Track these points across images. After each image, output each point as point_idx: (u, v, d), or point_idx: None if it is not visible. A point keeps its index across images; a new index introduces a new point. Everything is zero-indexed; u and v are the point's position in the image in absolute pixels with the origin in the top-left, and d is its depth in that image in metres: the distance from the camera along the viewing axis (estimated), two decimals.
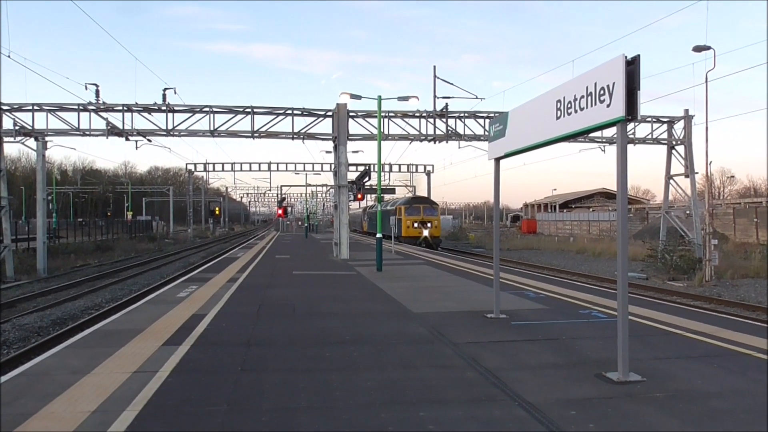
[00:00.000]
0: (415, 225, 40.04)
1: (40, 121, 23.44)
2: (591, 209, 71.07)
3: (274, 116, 24.45)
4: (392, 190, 51.35)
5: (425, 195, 49.44)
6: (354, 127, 24.72)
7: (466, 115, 25.80)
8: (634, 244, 33.71)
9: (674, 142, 27.47)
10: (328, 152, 39.40)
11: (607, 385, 5.87)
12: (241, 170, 53.02)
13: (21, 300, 17.86)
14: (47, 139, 24.68)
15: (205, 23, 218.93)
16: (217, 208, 67.33)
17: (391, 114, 25.22)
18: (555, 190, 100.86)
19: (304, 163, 54.36)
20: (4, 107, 23.17)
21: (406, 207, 41.58)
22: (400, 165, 52.51)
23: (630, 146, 26.59)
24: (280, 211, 59.25)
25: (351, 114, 24.45)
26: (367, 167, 35.27)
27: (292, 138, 24.69)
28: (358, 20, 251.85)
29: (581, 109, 6.52)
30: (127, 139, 24.46)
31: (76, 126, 23.39)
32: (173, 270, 27.78)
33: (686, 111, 27.30)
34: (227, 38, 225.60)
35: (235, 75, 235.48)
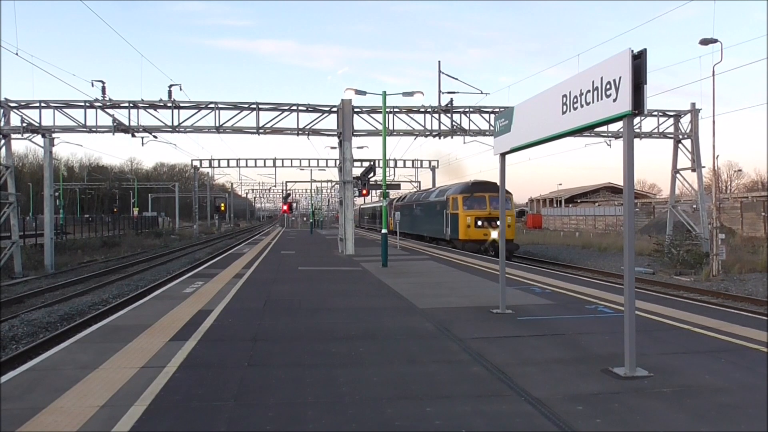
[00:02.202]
0: (479, 223, 27.69)
1: (47, 117, 23.57)
2: (597, 204, 70.86)
3: (279, 112, 24.46)
4: (397, 186, 51.28)
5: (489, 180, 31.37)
6: (359, 122, 24.73)
7: (471, 110, 25.72)
8: (640, 239, 33.63)
9: (681, 136, 27.33)
10: (333, 148, 39.47)
11: (614, 381, 5.87)
12: (246, 166, 53.01)
13: (29, 296, 17.98)
14: (54, 135, 24.80)
15: (211, 19, 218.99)
16: (222, 204, 67.55)
17: (396, 109, 25.20)
18: (560, 184, 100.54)
19: (309, 159, 54.25)
20: (12, 104, 23.29)
21: (464, 197, 28.35)
22: (405, 160, 52.43)
23: (636, 140, 26.32)
24: (285, 207, 59.41)
25: (356, 110, 24.44)
26: (372, 163, 35.17)
27: (297, 134, 24.70)
28: (365, 15, 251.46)
29: (587, 104, 6.49)
30: (133, 135, 24.53)
31: (83, 122, 23.48)
32: (179, 266, 27.88)
33: (693, 105, 27.16)
34: (233, 34, 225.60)
35: (241, 71, 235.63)
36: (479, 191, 28.62)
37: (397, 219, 31.64)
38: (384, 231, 19.61)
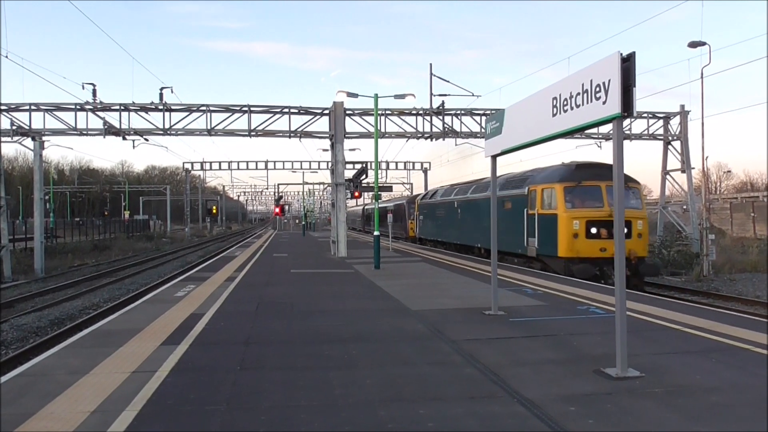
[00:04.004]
0: (593, 231, 16.96)
1: (37, 120, 23.43)
2: None
3: (271, 115, 24.44)
4: (389, 188, 51.27)
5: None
6: (351, 125, 24.74)
7: (462, 112, 25.81)
8: None
9: (670, 138, 27.51)
10: (325, 150, 39.43)
11: (606, 381, 5.89)
12: (238, 169, 52.86)
13: (19, 300, 17.83)
14: (44, 138, 24.66)
15: (204, 21, 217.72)
16: (214, 207, 67.32)
17: (387, 112, 25.23)
18: None
19: (301, 161, 54.03)
20: (2, 107, 23.12)
21: (566, 187, 17.66)
22: (396, 163, 52.55)
23: (626, 142, 26.60)
24: (277, 210, 59.31)
25: (348, 112, 24.45)
26: (364, 165, 35.11)
27: (289, 136, 24.69)
28: (359, 16, 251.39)
29: (577, 106, 6.54)
30: (124, 138, 24.44)
31: (74, 125, 23.36)
32: (171, 269, 27.76)
33: (682, 107, 27.34)
34: (227, 36, 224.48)
35: (234, 73, 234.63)
36: (589, 178, 17.69)
37: (420, 222, 26.13)
38: (376, 233, 19.63)
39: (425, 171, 52.53)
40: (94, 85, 23.44)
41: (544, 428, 4.67)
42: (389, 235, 31.42)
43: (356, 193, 26.14)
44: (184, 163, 57.39)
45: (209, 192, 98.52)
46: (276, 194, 69.87)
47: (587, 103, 6.32)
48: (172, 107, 23.78)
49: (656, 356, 6.88)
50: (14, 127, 23.28)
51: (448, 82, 25.47)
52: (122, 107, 23.56)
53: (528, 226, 18.74)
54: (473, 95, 25.45)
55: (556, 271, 17.28)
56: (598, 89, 6.10)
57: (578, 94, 6.48)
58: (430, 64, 25.68)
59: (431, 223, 31.27)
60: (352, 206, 69.87)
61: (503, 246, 19.55)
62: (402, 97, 20.84)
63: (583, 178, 17.77)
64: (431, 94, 25.41)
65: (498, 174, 10.15)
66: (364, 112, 24.80)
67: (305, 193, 68.21)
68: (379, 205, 48.88)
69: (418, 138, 25.90)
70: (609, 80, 5.91)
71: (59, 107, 23.42)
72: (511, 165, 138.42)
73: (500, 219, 19.77)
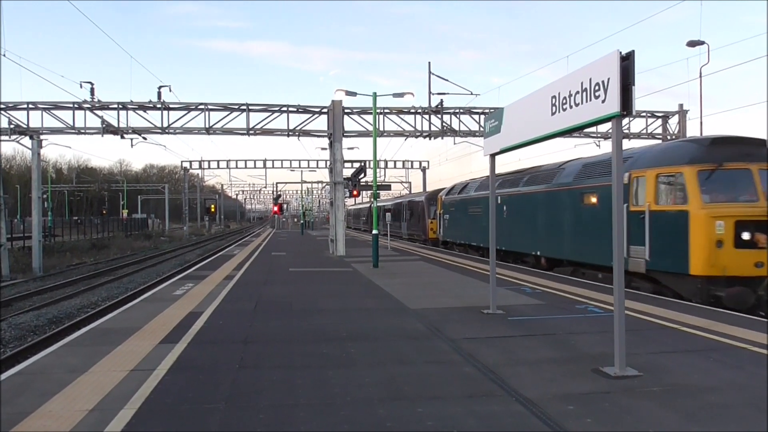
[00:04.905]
0: (746, 236, 10.80)
1: (35, 119, 23.43)
2: None
3: (269, 113, 24.42)
4: (388, 187, 51.26)
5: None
6: (349, 123, 24.74)
7: (461, 111, 25.80)
8: None
9: (669, 137, 27.53)
10: (323, 149, 39.39)
11: (605, 380, 5.90)
12: (237, 167, 52.93)
13: (17, 299, 17.81)
14: (42, 137, 24.65)
15: (203, 21, 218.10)
16: (212, 206, 67.22)
17: (386, 110, 25.23)
18: None
19: (300, 160, 54.03)
20: (0, 106, 23.07)
21: (700, 170, 11.50)
22: (395, 161, 52.63)
23: (625, 141, 26.65)
24: (275, 209, 59.31)
25: (346, 111, 24.44)
26: (363, 163, 35.06)
27: (288, 135, 24.67)
28: (357, 17, 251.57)
29: (576, 105, 6.54)
30: (122, 137, 24.40)
31: (72, 124, 23.33)
32: (169, 268, 27.73)
33: (680, 106, 27.38)
34: (225, 36, 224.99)
35: (233, 72, 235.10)
36: (734, 158, 11.84)
37: (446, 222, 24.47)
38: (375, 232, 19.63)
39: (424, 170, 52.57)
40: (92, 84, 23.45)
41: (542, 427, 4.67)
42: (388, 234, 31.40)
43: (354, 192, 26.13)
44: (182, 161, 57.57)
45: (207, 190, 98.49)
46: (274, 193, 69.82)
47: (586, 101, 6.32)
48: (171, 106, 23.75)
49: (654, 355, 6.89)
50: (12, 126, 23.25)
51: (446, 80, 25.49)
52: (120, 106, 23.53)
53: (631, 228, 12.76)
54: (472, 94, 25.50)
55: (684, 295, 11.73)
56: (597, 88, 6.10)
57: (577, 92, 6.48)
58: (429, 63, 25.85)
59: (462, 223, 25.49)
60: (355, 205, 69.75)
61: (583, 256, 15.24)
62: (401, 95, 20.84)
63: (724, 158, 11.86)
64: (430, 92, 25.45)
65: (498, 172, 9.35)
66: (363, 111, 24.79)
67: (304, 192, 68.23)
68: (392, 203, 45.37)
69: (416, 137, 25.89)
70: (608, 79, 5.90)
71: (57, 106, 23.39)
72: (508, 164, 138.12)
73: (577, 218, 15.40)
